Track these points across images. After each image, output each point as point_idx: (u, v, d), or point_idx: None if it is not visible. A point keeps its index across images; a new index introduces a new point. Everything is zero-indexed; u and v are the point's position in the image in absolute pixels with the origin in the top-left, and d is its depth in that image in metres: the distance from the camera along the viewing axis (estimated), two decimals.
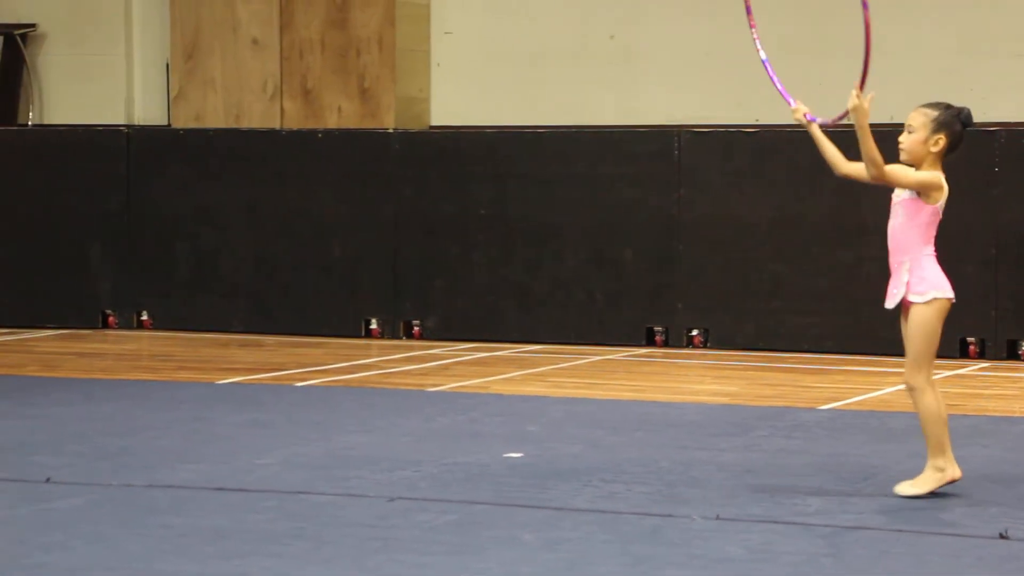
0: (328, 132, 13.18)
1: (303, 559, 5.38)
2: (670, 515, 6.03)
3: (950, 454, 6.34)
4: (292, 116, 13.48)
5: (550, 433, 8.04)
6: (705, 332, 12.22)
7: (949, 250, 11.68)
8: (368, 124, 13.25)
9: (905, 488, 6.32)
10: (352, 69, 13.35)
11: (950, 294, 6.45)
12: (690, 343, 12.20)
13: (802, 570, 5.23)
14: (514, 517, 6.02)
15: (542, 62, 13.25)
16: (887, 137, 12.39)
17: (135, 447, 7.62)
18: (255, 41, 13.55)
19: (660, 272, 12.31)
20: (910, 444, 7.72)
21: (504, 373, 10.70)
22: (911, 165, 6.49)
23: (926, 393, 6.33)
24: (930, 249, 6.50)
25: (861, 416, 8.67)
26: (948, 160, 6.54)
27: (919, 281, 6.41)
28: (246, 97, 13.58)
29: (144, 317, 13.42)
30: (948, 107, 6.50)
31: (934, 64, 12.31)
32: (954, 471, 6.32)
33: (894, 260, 6.51)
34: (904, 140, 6.50)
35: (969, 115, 6.48)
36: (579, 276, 12.47)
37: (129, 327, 13.38)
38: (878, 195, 12.65)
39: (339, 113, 13.37)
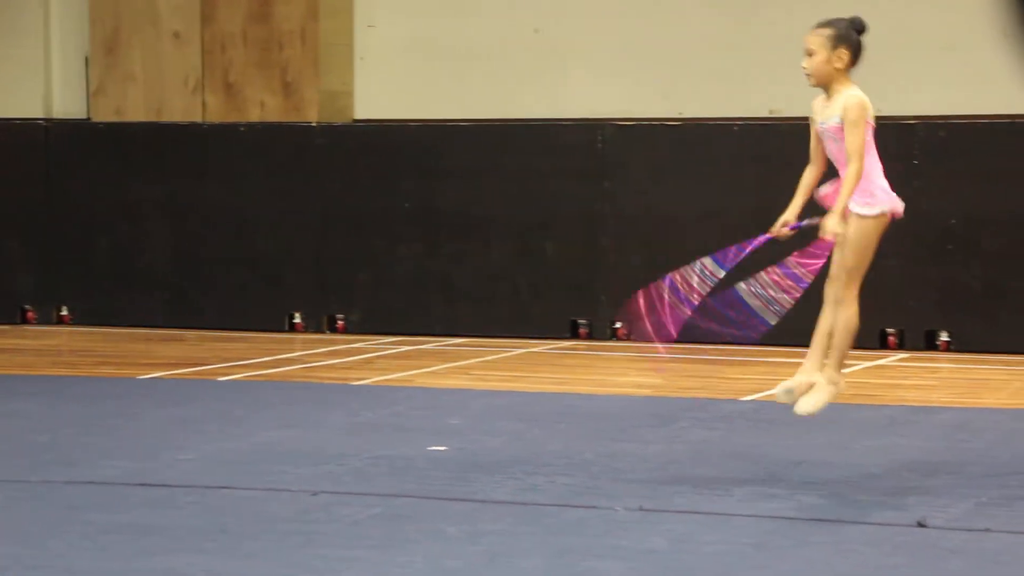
0: (251, 126, 13.11)
1: (226, 555, 5.36)
2: (593, 507, 6.06)
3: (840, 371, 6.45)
4: (214, 110, 13.40)
5: (474, 426, 8.05)
6: (629, 325, 12.27)
7: None
8: (291, 118, 13.20)
9: (806, 405, 6.36)
10: (275, 63, 13.28)
11: (899, 207, 6.47)
12: (614, 336, 12.25)
13: (725, 560, 5.27)
14: (438, 510, 6.02)
15: (466, 56, 13.24)
16: (807, 130, 12.45)
17: (55, 443, 7.55)
18: (176, 35, 13.45)
19: (584, 265, 12.34)
20: (831, 434, 7.80)
21: (428, 366, 10.70)
22: (820, 87, 6.47)
23: (853, 306, 6.42)
24: (874, 159, 6.48)
25: (783, 407, 8.73)
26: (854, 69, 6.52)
27: (868, 194, 6.43)
28: (167, 91, 13.49)
29: (64, 312, 13.31)
30: (840, 20, 6.50)
31: None
32: (843, 383, 6.45)
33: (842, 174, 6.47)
34: (807, 64, 6.50)
35: (861, 21, 6.49)
36: (503, 269, 12.49)
37: (49, 322, 13.25)
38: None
39: (262, 107, 13.30)
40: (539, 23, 13.15)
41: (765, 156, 11.96)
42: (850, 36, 6.48)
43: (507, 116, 12.94)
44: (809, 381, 6.46)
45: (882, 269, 11.81)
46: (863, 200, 6.40)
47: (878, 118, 12.86)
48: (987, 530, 5.66)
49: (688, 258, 12.21)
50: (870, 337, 11.70)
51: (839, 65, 6.46)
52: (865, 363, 10.90)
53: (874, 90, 12.68)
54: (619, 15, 12.95)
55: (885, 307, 11.76)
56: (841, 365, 6.48)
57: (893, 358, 11.24)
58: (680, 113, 12.63)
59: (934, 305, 11.68)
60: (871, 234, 6.45)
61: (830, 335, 6.50)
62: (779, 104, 12.51)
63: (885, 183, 6.54)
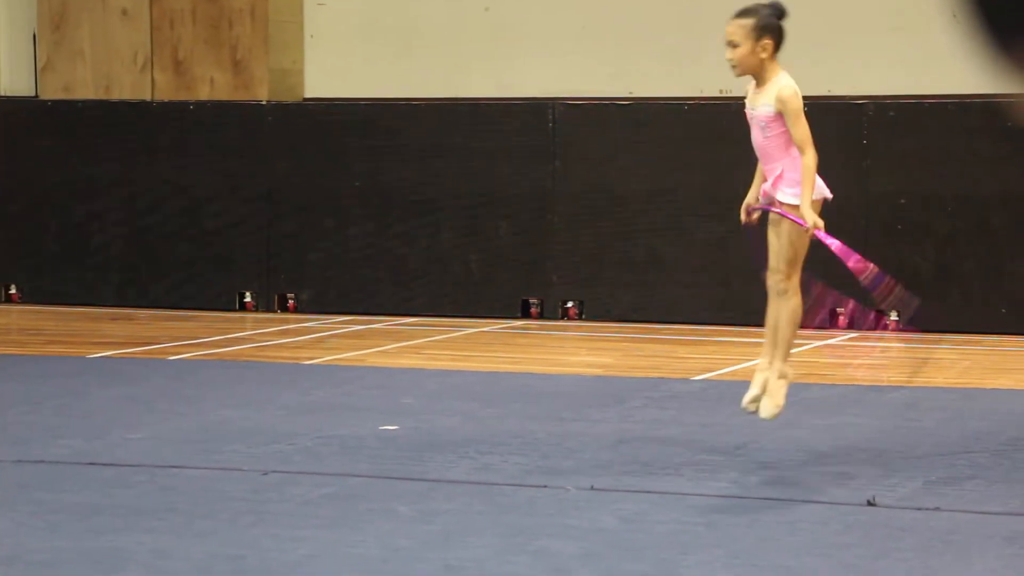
0: (200, 104, 13.03)
1: (176, 534, 5.33)
2: (545, 486, 6.06)
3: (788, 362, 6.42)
4: (163, 88, 13.31)
5: (426, 405, 8.03)
6: (580, 304, 12.28)
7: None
8: (241, 96, 13.12)
9: (768, 409, 6.33)
10: (224, 40, 13.20)
11: (826, 193, 6.42)
12: (565, 315, 12.25)
13: (676, 539, 5.28)
14: (390, 490, 6.01)
15: (417, 34, 13.20)
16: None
17: (4, 423, 7.49)
18: (124, 11, 13.35)
19: (535, 244, 12.34)
20: (783, 414, 7.82)
21: (380, 346, 10.68)
22: (748, 75, 6.39)
23: (796, 297, 6.37)
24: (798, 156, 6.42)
25: (734, 386, 8.75)
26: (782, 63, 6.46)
27: (793, 183, 6.38)
28: (116, 68, 13.38)
29: (12, 291, 13.20)
30: (759, 8, 6.41)
31: (803, 37, 12.42)
32: (792, 373, 6.41)
33: (767, 168, 6.42)
34: (732, 56, 6.40)
35: (782, 6, 6.41)
36: (454, 248, 12.47)
37: None
38: (750, 169, 12.78)
39: (211, 85, 13.22)
40: (490, 2, 13.12)
41: (715, 135, 11.98)
42: (771, 23, 6.38)
43: (458, 95, 12.91)
44: (764, 380, 6.42)
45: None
46: (793, 189, 6.36)
47: (828, 98, 12.92)
48: (937, 509, 5.70)
49: (638, 237, 12.30)
50: (820, 316, 11.75)
51: (764, 55, 6.38)
52: (815, 342, 10.95)
53: (824, 70, 12.78)
54: None
55: (835, 286, 11.81)
56: (788, 355, 6.43)
57: (843, 337, 11.30)
58: (630, 92, 12.63)
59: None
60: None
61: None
62: (729, 84, 12.52)
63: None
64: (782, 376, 6.36)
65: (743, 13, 6.40)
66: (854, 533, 5.39)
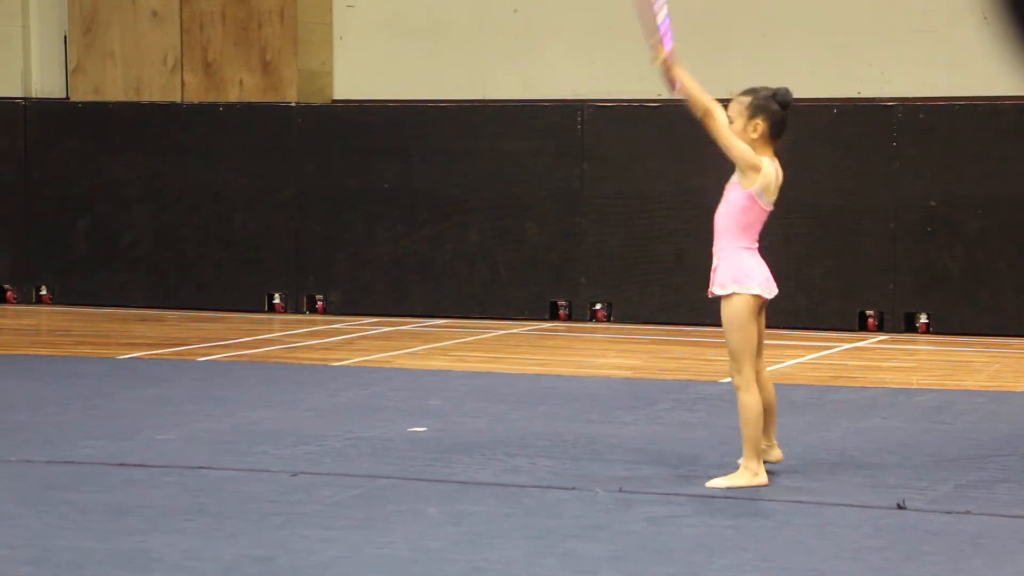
0: (229, 106, 13.07)
1: (205, 535, 5.34)
2: (573, 488, 6.05)
3: (761, 461, 6.10)
4: (193, 89, 13.35)
5: (454, 407, 8.04)
6: (608, 306, 12.27)
7: (848, 224, 11.87)
8: (270, 98, 13.16)
9: (717, 482, 6.06)
10: (254, 42, 13.24)
11: (754, 290, 6.15)
12: (593, 317, 12.24)
13: (705, 542, 5.27)
14: (418, 491, 6.02)
15: (445, 36, 13.21)
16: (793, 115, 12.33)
17: (35, 423, 7.52)
18: (155, 13, 13.40)
19: (563, 246, 12.34)
20: (810, 416, 7.81)
21: (408, 347, 10.69)
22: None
23: (743, 392, 6.09)
24: (746, 242, 6.23)
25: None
26: (779, 144, 6.29)
27: (723, 273, 6.18)
28: (146, 70, 13.43)
29: (43, 292, 13.26)
30: (763, 90, 6.28)
31: (833, 39, 12.42)
32: (763, 478, 6.07)
33: (714, 247, 6.27)
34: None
35: (786, 94, 6.25)
36: (483, 250, 12.48)
37: (28, 302, 13.21)
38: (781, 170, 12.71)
39: (240, 86, 13.26)
40: (518, 3, 13.12)
41: None
42: (768, 107, 6.21)
43: (486, 96, 12.92)
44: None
45: (861, 251, 11.88)
46: (737, 279, 6.15)
47: (857, 100, 12.90)
48: (967, 512, 5.67)
49: (666, 238, 12.29)
50: (849, 319, 11.73)
51: (755, 136, 6.21)
52: (845, 345, 10.92)
53: (853, 73, 12.75)
54: None
55: (864, 289, 11.79)
56: (756, 455, 6.07)
57: (872, 340, 11.27)
58: (659, 94, 12.61)
59: (913, 287, 11.70)
60: (744, 312, 6.11)
61: (766, 407, 6.25)
62: (758, 85, 12.48)
63: (766, 269, 6.23)
64: (747, 470, 6.06)
65: (747, 91, 6.31)
66: (884, 536, 5.37)
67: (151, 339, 11.09)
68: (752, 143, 6.21)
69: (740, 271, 6.18)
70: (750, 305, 6.16)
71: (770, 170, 6.23)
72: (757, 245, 6.26)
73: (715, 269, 6.24)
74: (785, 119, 6.27)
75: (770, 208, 6.25)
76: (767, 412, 6.24)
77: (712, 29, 12.58)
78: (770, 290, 6.22)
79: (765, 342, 6.38)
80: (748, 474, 6.09)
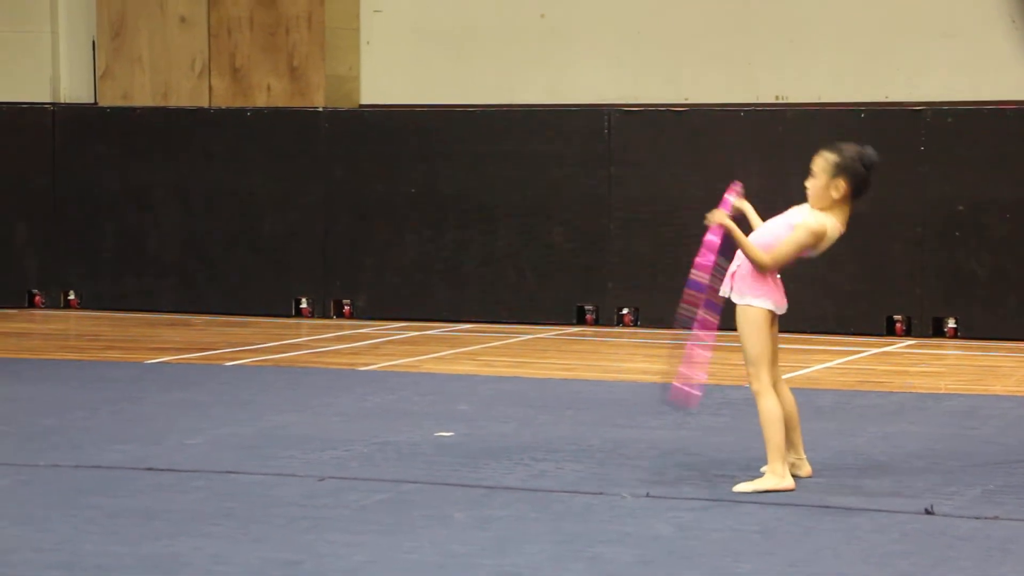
0: (257, 111, 13.11)
1: (232, 539, 5.36)
2: (600, 493, 6.05)
3: (786, 464, 6.11)
4: (220, 94, 13.39)
5: (481, 412, 8.04)
6: (635, 311, 12.26)
7: (875, 229, 11.83)
8: (297, 103, 13.19)
9: (744, 487, 6.08)
10: (281, 47, 13.28)
11: (769, 306, 6.20)
12: (620, 322, 12.24)
13: (732, 547, 5.27)
14: (445, 496, 6.02)
15: (472, 41, 13.23)
16: (814, 116, 12.43)
17: (63, 427, 7.55)
18: (183, 19, 13.44)
19: (590, 251, 12.34)
20: (838, 421, 7.79)
21: (435, 352, 10.70)
22: (820, 209, 6.19)
23: (763, 397, 6.12)
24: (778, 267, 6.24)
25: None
26: (858, 202, 6.26)
27: (741, 283, 6.22)
28: (174, 75, 13.48)
29: (71, 297, 13.32)
30: (848, 148, 6.19)
31: (860, 43, 12.40)
32: (790, 481, 6.08)
33: (741, 251, 6.27)
34: (809, 185, 6.22)
35: (872, 156, 6.19)
36: (509, 254, 12.49)
37: (56, 307, 13.27)
38: (806, 176, 12.73)
39: (268, 92, 13.30)
40: (545, 8, 13.13)
41: (771, 142, 11.94)
42: (854, 168, 6.15)
43: (513, 101, 12.93)
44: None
45: (889, 255, 11.84)
46: (755, 293, 6.19)
47: (885, 104, 12.85)
48: (996, 518, 5.65)
49: (693, 243, 12.25)
50: (877, 324, 11.70)
51: (835, 195, 6.16)
52: (872, 349, 10.90)
53: (881, 76, 12.71)
54: (624, 0, 12.93)
55: (892, 294, 11.76)
56: (781, 458, 6.08)
57: (900, 345, 11.23)
58: (686, 99, 12.61)
59: (941, 292, 11.66)
60: (760, 321, 6.17)
61: (787, 420, 6.28)
62: (785, 90, 12.49)
63: (781, 287, 6.24)
64: (773, 473, 6.07)
65: (831, 147, 6.21)
66: (911, 542, 5.36)
67: (179, 343, 11.12)
68: (831, 200, 6.16)
69: (760, 287, 6.23)
70: (765, 316, 6.22)
71: (833, 234, 6.20)
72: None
73: (734, 275, 6.25)
74: (869, 181, 6.21)
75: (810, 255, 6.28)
76: (789, 423, 6.25)
77: (739, 34, 12.57)
78: (782, 307, 6.27)
79: (785, 347, 6.37)
80: (775, 478, 6.09)
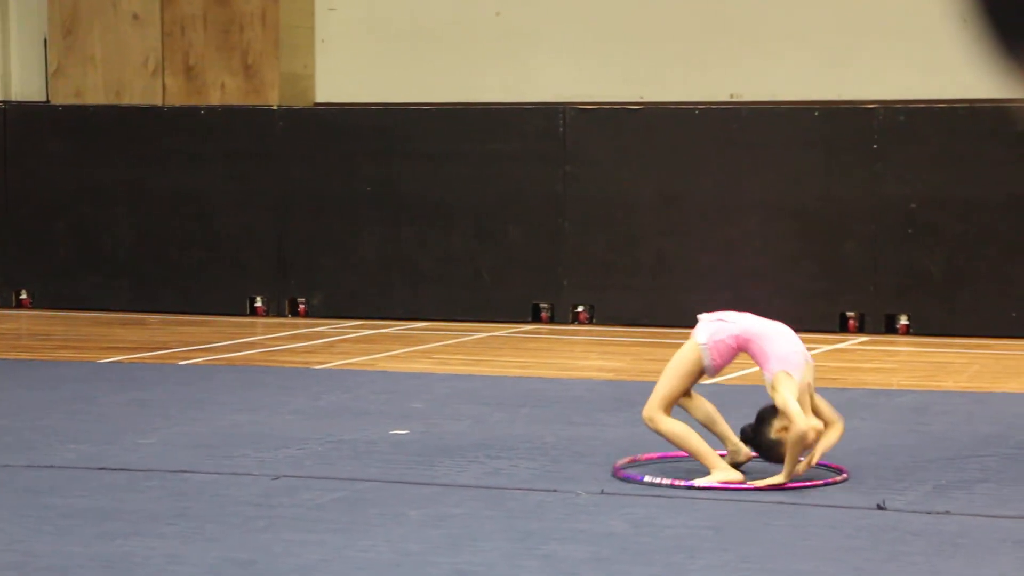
0: (211, 109, 13.06)
1: (187, 539, 5.34)
2: (555, 490, 6.06)
3: (723, 463, 6.21)
4: (174, 93, 13.34)
5: (436, 410, 8.04)
6: (591, 308, 12.29)
7: (829, 226, 11.89)
8: (252, 101, 13.15)
9: (701, 481, 6.17)
10: (235, 45, 13.23)
11: (709, 359, 6.27)
12: (576, 319, 12.26)
13: (685, 543, 5.28)
14: (400, 494, 6.02)
15: (428, 39, 13.22)
16: (768, 114, 12.47)
17: (15, 427, 7.51)
18: (136, 16, 13.38)
19: (546, 249, 12.35)
20: None
21: (390, 350, 10.69)
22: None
23: (657, 424, 6.25)
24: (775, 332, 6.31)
25: (743, 391, 8.76)
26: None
27: (710, 322, 6.31)
28: (127, 73, 13.42)
29: (23, 296, 13.24)
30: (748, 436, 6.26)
31: (815, 42, 12.46)
32: (736, 474, 6.18)
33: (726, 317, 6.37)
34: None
35: (744, 431, 6.24)
36: (465, 253, 12.49)
37: (8, 306, 13.18)
38: (760, 174, 12.83)
39: (222, 90, 13.25)
40: (501, 6, 13.13)
41: (725, 140, 11.98)
42: (754, 444, 6.22)
43: (469, 99, 12.93)
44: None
45: (842, 253, 11.91)
46: (700, 327, 6.29)
47: (839, 103, 12.88)
48: (947, 512, 5.69)
49: (648, 241, 12.31)
50: (831, 321, 11.75)
51: (784, 431, 6.11)
52: (825, 346, 10.95)
53: (835, 75, 12.76)
54: None
55: (845, 291, 11.82)
56: (713, 458, 6.21)
57: (853, 341, 11.29)
58: (641, 97, 12.64)
59: (894, 289, 11.73)
60: (690, 360, 6.32)
61: (705, 419, 6.42)
62: (740, 88, 12.53)
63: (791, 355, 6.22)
64: (714, 475, 6.19)
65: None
66: (864, 537, 5.39)
67: (133, 343, 11.07)
68: (782, 451, 6.14)
69: (716, 334, 6.28)
70: (698, 360, 6.32)
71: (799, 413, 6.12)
72: None
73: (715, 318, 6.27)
74: (763, 443, 6.20)
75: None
76: (707, 421, 6.42)
77: (695, 33, 12.60)
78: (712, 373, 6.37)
79: None
80: (720, 473, 6.17)
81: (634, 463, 6.53)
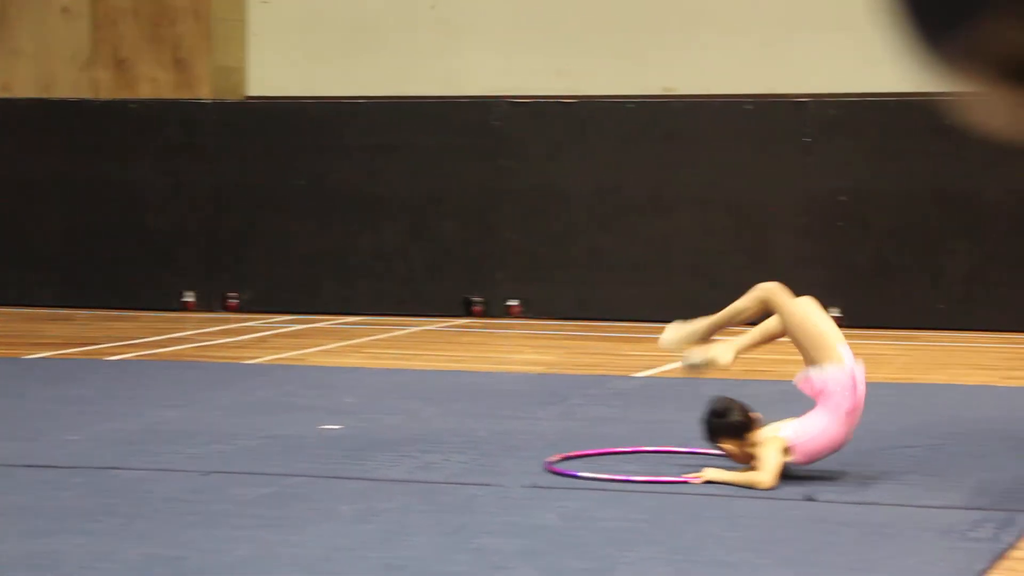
0: (142, 102, 12.96)
1: (115, 535, 5.29)
2: (487, 484, 6.05)
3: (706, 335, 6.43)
4: (105, 86, 13.22)
5: (367, 404, 8.01)
6: (524, 302, 12.29)
7: (761, 219, 11.95)
8: (183, 94, 13.06)
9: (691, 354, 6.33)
10: (166, 38, 13.13)
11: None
12: (508, 313, 12.25)
13: (618, 536, 5.28)
14: (331, 489, 5.99)
15: (361, 32, 13.17)
16: (701, 108, 12.48)
17: None
18: (65, 9, 13.25)
19: (479, 243, 12.34)
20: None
21: (321, 345, 10.64)
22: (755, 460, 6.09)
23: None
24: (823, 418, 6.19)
25: (675, 384, 8.80)
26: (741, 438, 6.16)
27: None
28: (57, 66, 13.29)
29: None
30: (703, 419, 6.16)
31: (746, 36, 12.51)
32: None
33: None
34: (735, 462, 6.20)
35: (712, 406, 6.15)
36: (397, 247, 12.46)
37: None
38: (693, 167, 12.85)
39: (154, 83, 13.15)
40: (434, 0, 13.10)
41: (659, 133, 12.01)
42: (719, 427, 6.09)
43: (402, 93, 12.90)
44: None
45: (774, 245, 11.97)
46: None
47: (770, 96, 12.94)
48: (875, 503, 5.73)
49: (581, 235, 12.33)
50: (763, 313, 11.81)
51: (738, 450, 6.09)
52: None
53: (766, 69, 12.82)
54: None
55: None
56: (711, 325, 6.51)
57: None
58: (575, 91, 12.65)
59: (825, 281, 11.80)
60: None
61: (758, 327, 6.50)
62: (673, 82, 12.57)
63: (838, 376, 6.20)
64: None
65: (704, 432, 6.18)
66: (793, 528, 5.41)
67: (60, 339, 10.97)
68: (746, 453, 6.09)
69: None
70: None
71: (782, 434, 6.09)
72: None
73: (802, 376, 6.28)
74: (735, 422, 6.15)
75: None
76: (757, 327, 6.48)
77: (628, 26, 12.62)
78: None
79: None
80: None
81: (567, 459, 6.52)
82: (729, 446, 6.12)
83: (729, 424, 6.13)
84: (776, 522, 5.50)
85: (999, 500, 5.79)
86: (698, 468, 6.21)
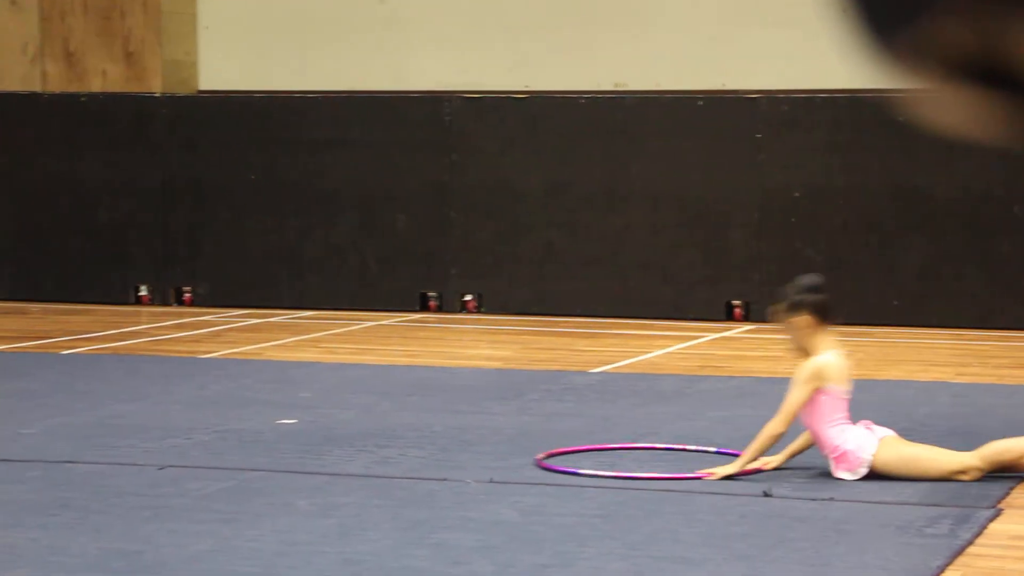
0: (92, 96, 12.88)
1: (70, 529, 5.26)
2: (444, 479, 6.05)
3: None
4: (54, 79, 13.14)
5: (323, 399, 8.00)
6: (479, 297, 12.29)
7: (713, 215, 12.00)
8: (134, 88, 12.99)
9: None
10: (117, 31, 13.06)
11: (867, 456, 6.11)
12: (464, 308, 12.25)
13: (574, 531, 5.30)
14: (288, 484, 5.98)
15: (313, 26, 13.14)
16: (652, 103, 12.52)
17: None
18: (13, 2, 13.15)
19: (433, 238, 12.33)
20: (679, 406, 7.88)
21: (277, 339, 10.61)
22: (806, 354, 6.14)
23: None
24: (836, 420, 6.18)
25: (631, 379, 8.82)
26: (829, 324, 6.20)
27: (837, 451, 6.14)
28: (5, 60, 13.19)
29: None
30: (792, 287, 6.23)
31: (698, 32, 12.55)
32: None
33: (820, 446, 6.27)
34: (788, 342, 6.27)
35: (811, 282, 6.20)
36: (352, 242, 12.43)
37: None
38: (645, 163, 12.89)
39: (104, 76, 13.07)
40: None
41: (611, 129, 12.04)
42: (803, 300, 6.16)
43: (354, 88, 12.87)
44: None
45: (727, 242, 12.01)
46: (841, 465, 6.09)
47: (722, 92, 13.00)
48: (831, 499, 5.76)
49: (535, 230, 12.34)
50: (716, 310, 11.86)
51: (807, 328, 6.12)
52: (712, 335, 11.03)
53: (718, 65, 12.88)
54: None
55: (730, 280, 11.93)
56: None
57: (739, 330, 11.39)
58: (527, 86, 12.65)
59: (779, 277, 11.84)
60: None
61: None
62: (625, 78, 12.59)
63: (858, 435, 6.14)
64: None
65: (779, 301, 6.16)
66: (749, 523, 5.43)
67: (13, 332, 10.89)
68: (807, 337, 6.12)
69: (851, 445, 6.12)
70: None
71: (829, 361, 6.12)
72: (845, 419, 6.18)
73: (827, 454, 6.16)
74: (826, 303, 6.18)
75: (846, 395, 6.19)
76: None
77: (580, 22, 12.64)
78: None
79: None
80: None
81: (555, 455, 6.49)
82: (801, 323, 6.06)
83: (819, 301, 6.09)
84: (733, 517, 5.52)
85: (955, 497, 5.83)
86: (690, 467, 6.21)
